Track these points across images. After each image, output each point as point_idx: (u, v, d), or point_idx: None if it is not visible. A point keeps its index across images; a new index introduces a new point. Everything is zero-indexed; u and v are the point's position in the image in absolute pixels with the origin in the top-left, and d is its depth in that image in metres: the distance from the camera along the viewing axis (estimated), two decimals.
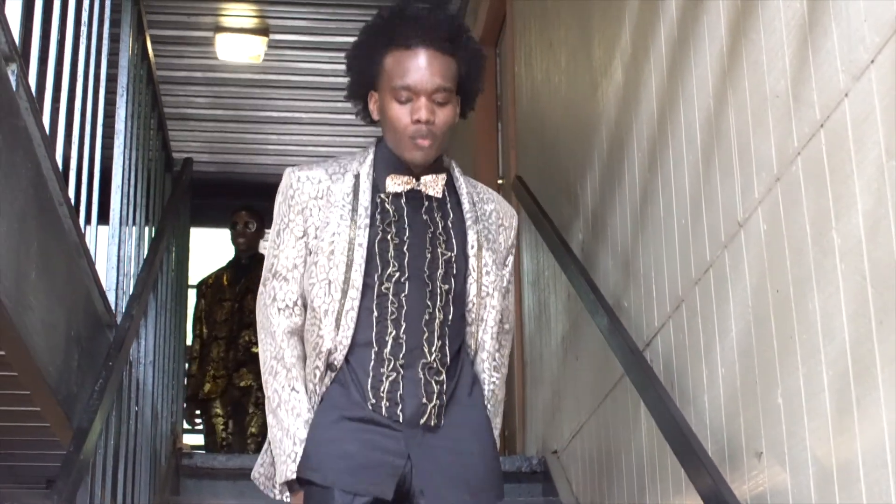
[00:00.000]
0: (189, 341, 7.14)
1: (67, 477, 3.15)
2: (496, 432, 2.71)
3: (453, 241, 2.67)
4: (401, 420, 2.54)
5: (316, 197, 2.67)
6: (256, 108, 9.15)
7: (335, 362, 2.59)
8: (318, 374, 2.60)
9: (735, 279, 2.94)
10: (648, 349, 3.63)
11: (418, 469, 2.53)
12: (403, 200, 2.67)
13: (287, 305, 2.65)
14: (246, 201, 7.63)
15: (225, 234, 7.83)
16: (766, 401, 2.71)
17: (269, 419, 2.63)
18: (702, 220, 3.18)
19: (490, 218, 2.76)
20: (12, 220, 3.03)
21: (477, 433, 2.63)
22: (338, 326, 2.58)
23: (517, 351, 5.80)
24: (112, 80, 4.50)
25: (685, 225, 3.32)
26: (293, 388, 2.60)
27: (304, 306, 2.66)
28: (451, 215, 2.71)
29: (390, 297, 2.59)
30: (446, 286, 2.63)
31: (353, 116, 2.87)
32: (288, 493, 2.60)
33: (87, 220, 4.03)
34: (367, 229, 2.61)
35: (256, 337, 7.31)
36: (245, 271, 7.26)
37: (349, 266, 2.59)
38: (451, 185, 2.76)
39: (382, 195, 2.66)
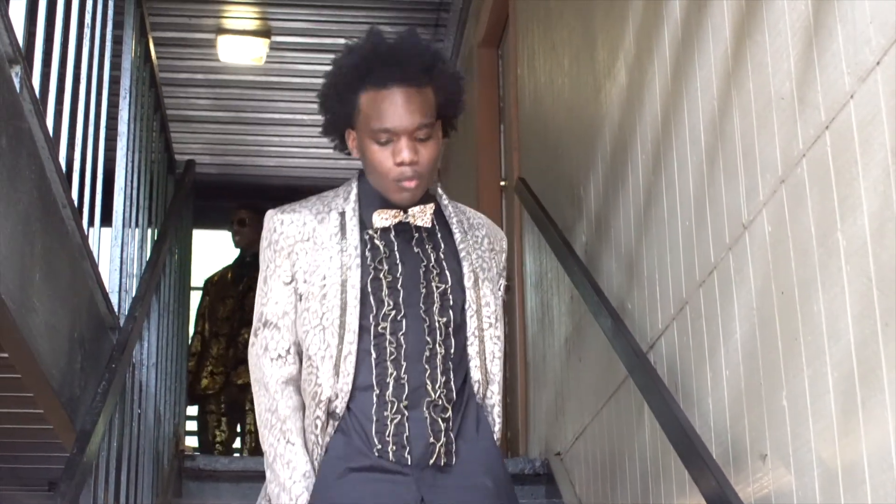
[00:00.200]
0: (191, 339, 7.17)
1: (70, 479, 3.15)
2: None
3: (447, 272, 2.59)
4: (409, 463, 2.45)
5: (302, 240, 2.57)
6: (258, 109, 9.16)
7: (337, 410, 2.49)
8: (320, 424, 2.50)
9: (739, 281, 2.93)
10: (652, 351, 3.63)
11: None
12: (392, 234, 2.58)
13: (280, 355, 2.56)
14: (246, 202, 7.64)
15: (227, 235, 7.84)
16: (770, 403, 2.71)
17: (267, 473, 2.52)
18: (706, 222, 3.17)
19: (482, 244, 2.68)
20: (16, 222, 3.03)
21: (488, 466, 2.54)
22: (337, 373, 2.49)
23: (520, 353, 5.80)
24: (115, 82, 4.50)
25: (689, 227, 3.32)
26: (288, 441, 2.50)
27: (298, 353, 2.57)
28: (443, 245, 2.63)
29: (388, 336, 2.50)
30: (444, 319, 2.54)
31: None
32: None
33: (91, 222, 4.04)
34: (359, 269, 2.53)
35: None
36: (248, 269, 7.28)
37: (343, 309, 2.50)
38: (439, 213, 2.68)
39: (371, 231, 2.58)
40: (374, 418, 2.48)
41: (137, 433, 4.53)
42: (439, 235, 2.63)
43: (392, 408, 2.48)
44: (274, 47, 8.13)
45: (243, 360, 7.05)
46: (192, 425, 7.42)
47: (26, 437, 4.00)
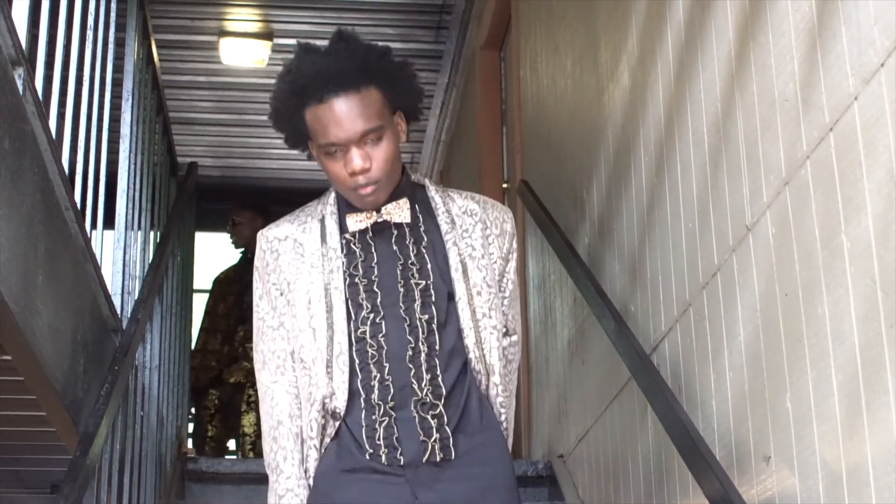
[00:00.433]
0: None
1: (73, 481, 3.15)
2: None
3: (428, 266, 2.56)
4: (402, 463, 2.45)
5: (286, 251, 2.59)
6: (260, 112, 9.13)
7: (337, 409, 2.49)
8: (316, 426, 2.50)
9: (743, 283, 2.93)
10: (655, 353, 3.62)
11: None
12: (370, 235, 2.57)
13: (278, 366, 2.59)
14: (239, 202, 7.64)
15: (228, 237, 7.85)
16: (774, 405, 2.71)
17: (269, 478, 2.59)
18: (709, 223, 3.17)
19: (475, 231, 2.62)
20: (20, 224, 3.03)
21: (486, 458, 2.52)
22: (330, 373, 2.49)
23: (523, 355, 5.79)
24: (117, 84, 4.50)
25: (693, 229, 3.31)
26: (287, 455, 2.54)
27: (293, 363, 2.59)
28: (426, 238, 2.59)
29: (368, 340, 2.50)
30: (426, 316, 2.51)
31: None
32: None
33: (94, 225, 4.04)
34: (341, 270, 2.54)
35: (251, 333, 7.36)
36: (249, 266, 7.28)
37: (329, 311, 2.51)
38: (426, 204, 2.65)
39: (348, 235, 2.57)
40: (363, 424, 2.48)
41: (140, 435, 4.53)
42: (422, 228, 2.60)
43: (379, 411, 2.48)
44: (276, 49, 8.12)
45: (236, 359, 7.04)
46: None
47: (29, 439, 4.01)
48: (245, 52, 8.13)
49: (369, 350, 2.50)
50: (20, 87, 3.06)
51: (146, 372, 4.79)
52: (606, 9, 4.34)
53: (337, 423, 2.50)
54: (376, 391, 2.48)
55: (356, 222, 2.56)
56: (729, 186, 3.03)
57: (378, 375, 2.49)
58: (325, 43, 2.58)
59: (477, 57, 7.49)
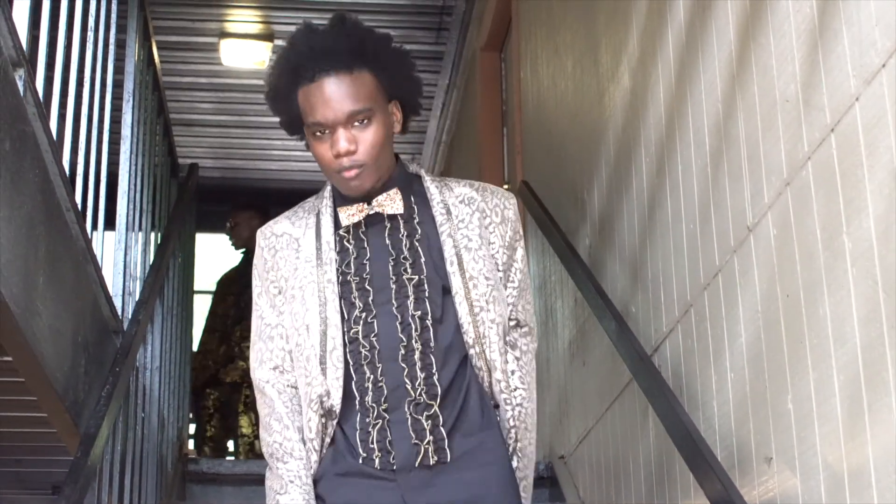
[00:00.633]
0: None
1: (75, 483, 3.15)
2: (529, 449, 2.53)
3: (422, 260, 2.48)
4: (395, 468, 2.39)
5: (281, 248, 2.56)
6: (261, 113, 9.14)
7: (334, 408, 2.43)
8: (314, 426, 2.44)
9: (744, 284, 2.93)
10: (657, 354, 3.62)
11: None
12: (363, 230, 2.51)
13: (276, 365, 2.53)
14: (235, 204, 7.64)
15: None
16: (776, 406, 2.70)
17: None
18: (711, 224, 3.17)
19: (472, 220, 2.53)
20: (20, 225, 3.03)
21: (488, 460, 2.43)
22: (324, 370, 2.43)
23: None
24: (118, 85, 4.50)
25: (694, 230, 3.31)
26: (284, 456, 2.47)
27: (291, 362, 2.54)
28: (419, 231, 2.52)
29: (360, 340, 2.44)
30: (419, 312, 2.44)
31: None
32: None
33: (94, 226, 4.04)
34: (334, 264, 2.48)
35: (248, 332, 7.35)
36: (248, 266, 7.29)
37: (323, 304, 2.45)
38: (422, 195, 2.57)
39: (342, 231, 2.52)
40: (358, 427, 2.42)
41: (141, 437, 4.53)
42: (416, 220, 2.53)
43: (373, 413, 2.41)
44: (276, 51, 8.10)
45: (232, 358, 7.04)
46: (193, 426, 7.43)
47: (30, 440, 4.00)
48: (246, 53, 8.13)
49: (362, 351, 2.44)
50: (21, 89, 3.06)
51: (147, 373, 4.79)
52: (607, 10, 4.34)
53: (335, 423, 2.44)
54: (370, 393, 2.42)
55: (348, 216, 2.50)
56: (730, 187, 3.03)
57: (371, 377, 2.43)
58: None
59: (477, 58, 7.49)
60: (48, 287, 3.30)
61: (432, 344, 2.44)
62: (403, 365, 2.43)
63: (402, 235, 2.51)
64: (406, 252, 2.49)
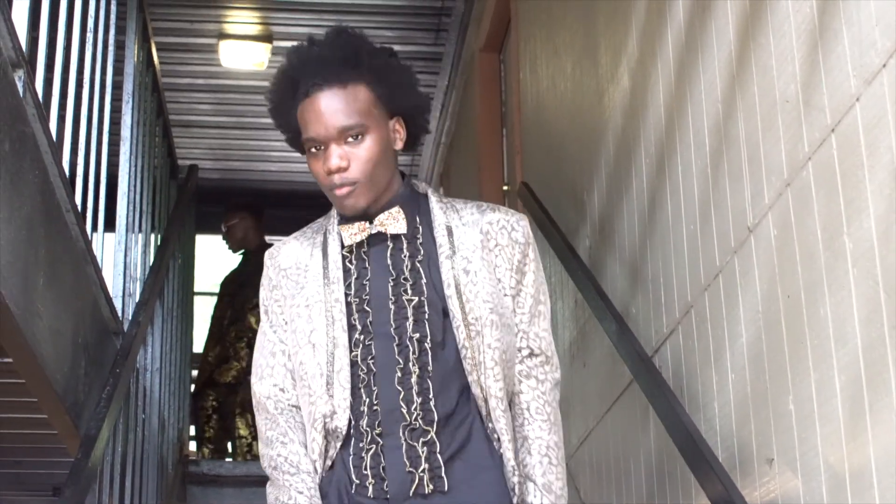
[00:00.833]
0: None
1: (75, 484, 3.15)
2: (557, 485, 2.39)
3: (422, 281, 2.39)
4: (388, 497, 2.29)
5: (287, 268, 2.48)
6: (260, 114, 9.13)
7: (338, 429, 2.34)
8: (317, 448, 2.35)
9: (745, 285, 2.93)
10: (657, 355, 3.62)
11: None
12: (365, 249, 2.43)
13: (276, 384, 2.44)
14: (228, 206, 7.63)
15: None
16: (777, 406, 2.70)
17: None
18: (711, 225, 3.17)
19: (473, 242, 2.43)
20: (20, 226, 3.02)
21: (485, 490, 2.32)
22: (330, 389, 2.34)
23: None
24: (117, 87, 4.50)
25: (694, 231, 3.31)
26: (285, 472, 2.38)
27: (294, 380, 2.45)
28: (422, 251, 2.43)
29: (359, 363, 2.35)
30: (418, 334, 2.34)
31: None
32: None
33: (94, 227, 4.04)
34: (341, 282, 2.40)
35: (243, 332, 7.27)
36: (243, 266, 7.30)
37: (331, 325, 2.37)
38: (426, 215, 2.48)
39: (345, 251, 2.45)
40: (352, 452, 2.33)
41: (142, 438, 4.53)
42: (420, 241, 2.44)
43: (366, 438, 2.32)
44: (275, 52, 8.12)
45: (226, 359, 7.03)
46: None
47: (30, 442, 4.00)
48: (245, 54, 8.12)
49: (360, 374, 2.35)
50: (20, 90, 3.06)
51: (147, 374, 4.79)
52: (606, 10, 4.34)
53: (338, 445, 2.35)
54: (365, 417, 2.32)
55: (350, 235, 2.43)
56: (730, 188, 3.03)
57: (367, 400, 2.33)
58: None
59: (476, 59, 7.48)
60: (48, 288, 3.30)
61: (430, 368, 2.34)
62: (399, 388, 2.33)
63: (405, 256, 2.42)
64: (407, 273, 2.40)
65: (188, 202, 6.21)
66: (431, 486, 2.29)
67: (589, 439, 4.51)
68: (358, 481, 2.32)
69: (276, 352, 2.47)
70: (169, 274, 5.40)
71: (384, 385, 2.34)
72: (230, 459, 7.23)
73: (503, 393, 2.35)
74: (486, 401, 2.34)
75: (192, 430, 7.52)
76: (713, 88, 3.16)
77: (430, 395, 2.33)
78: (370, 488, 2.31)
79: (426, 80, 8.27)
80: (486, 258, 2.43)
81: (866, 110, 2.29)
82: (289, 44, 8.34)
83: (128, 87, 4.78)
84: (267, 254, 2.56)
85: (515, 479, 2.34)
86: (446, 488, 2.29)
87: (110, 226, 4.33)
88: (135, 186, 4.75)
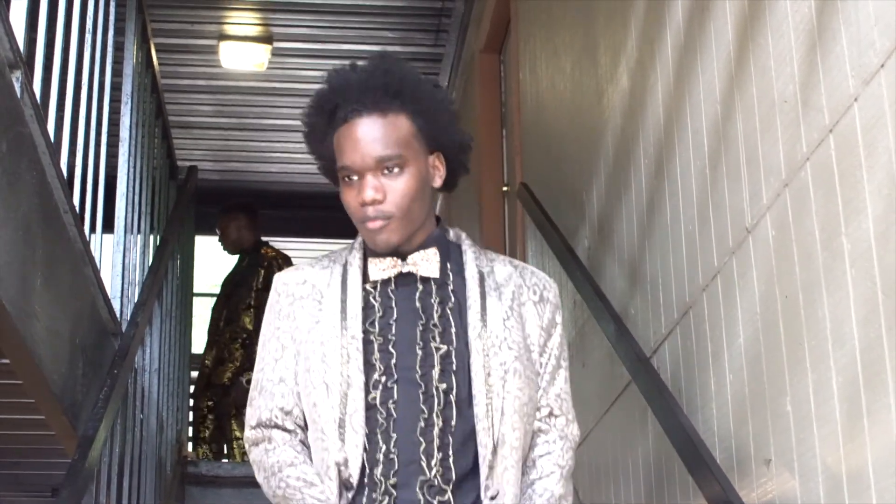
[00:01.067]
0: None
1: (72, 485, 3.15)
2: None
3: (452, 330, 2.27)
4: None
5: (301, 297, 2.34)
6: (260, 115, 9.15)
7: (351, 479, 2.19)
8: (334, 498, 2.20)
9: (743, 285, 2.92)
10: (655, 356, 3.61)
11: None
12: (392, 287, 2.30)
13: (276, 424, 2.30)
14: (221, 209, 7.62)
15: None
16: (774, 408, 2.70)
17: None
18: (709, 226, 3.16)
19: (505, 290, 2.33)
20: (17, 227, 3.02)
21: None
22: (343, 434, 2.20)
23: None
24: (116, 88, 4.50)
25: (692, 231, 3.31)
26: (287, 486, 2.24)
27: (299, 423, 2.31)
28: (452, 299, 2.30)
29: (378, 407, 2.21)
30: (444, 385, 2.22)
31: None
32: None
33: (93, 228, 4.03)
34: (359, 319, 2.26)
35: (237, 333, 7.26)
36: (238, 266, 7.30)
37: (345, 363, 2.23)
38: (458, 261, 2.36)
39: (368, 286, 2.30)
40: (365, 502, 2.20)
41: (140, 439, 4.52)
42: (451, 287, 2.32)
43: (380, 488, 2.18)
44: (276, 53, 8.13)
45: (222, 361, 7.02)
46: None
47: (28, 442, 4.00)
48: (245, 55, 8.13)
49: (378, 418, 2.21)
50: (18, 90, 3.06)
51: (146, 375, 4.79)
52: (605, 11, 4.33)
53: (350, 495, 2.21)
54: (381, 465, 2.19)
55: (380, 270, 2.30)
56: (728, 188, 3.02)
57: (384, 447, 2.20)
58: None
59: (476, 60, 7.48)
60: (45, 289, 3.29)
61: (453, 423, 2.22)
62: (420, 439, 2.20)
63: (434, 301, 2.29)
64: (436, 319, 2.28)
65: (187, 203, 6.21)
66: None
67: (587, 440, 4.50)
68: None
69: (276, 393, 2.32)
70: (168, 275, 5.40)
71: (404, 433, 2.20)
72: (228, 460, 7.23)
73: (519, 443, 2.25)
74: (494, 449, 2.21)
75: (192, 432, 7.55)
76: (712, 89, 3.16)
77: (450, 452, 2.21)
78: None
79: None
80: (515, 309, 2.32)
81: (864, 110, 2.28)
82: (289, 45, 8.38)
83: (127, 88, 4.77)
84: (278, 279, 2.41)
85: None
86: None
87: (109, 227, 4.33)
88: (133, 187, 4.74)
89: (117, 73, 4.53)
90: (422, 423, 2.20)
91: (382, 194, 2.24)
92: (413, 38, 8.05)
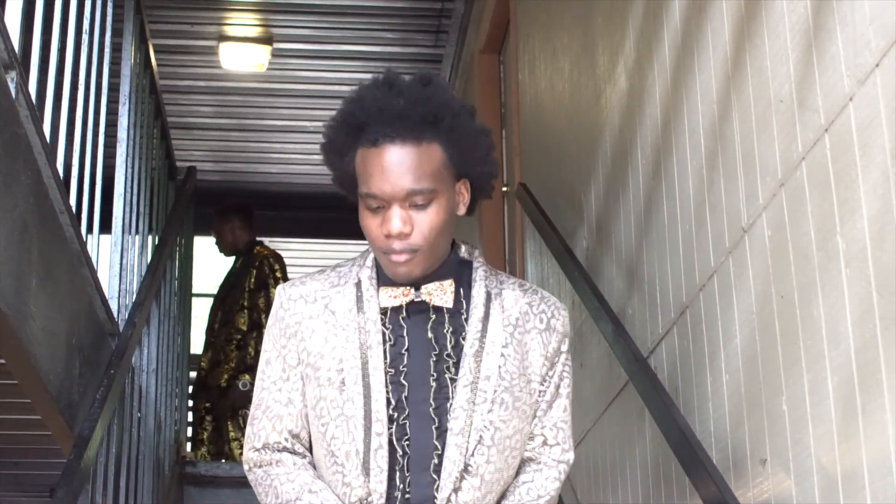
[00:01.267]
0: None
1: (68, 485, 3.15)
2: None
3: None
4: None
5: (310, 316, 2.23)
6: (260, 116, 9.15)
7: None
8: None
9: (739, 285, 2.92)
10: (653, 356, 3.61)
11: None
12: (403, 315, 2.20)
13: (284, 447, 2.23)
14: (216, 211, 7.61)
15: None
16: (770, 407, 2.69)
17: None
18: (706, 226, 3.16)
19: (508, 317, 2.24)
20: (13, 228, 3.02)
21: None
22: (367, 471, 2.12)
23: None
24: (114, 89, 4.50)
25: (689, 231, 3.30)
26: (298, 499, 2.17)
27: (305, 444, 2.25)
28: (465, 328, 2.21)
29: (394, 443, 2.14)
30: None
31: None
32: None
33: (90, 229, 4.03)
34: (380, 346, 2.16)
35: (231, 335, 7.26)
36: (233, 267, 7.30)
37: (367, 395, 2.14)
38: (470, 283, 2.27)
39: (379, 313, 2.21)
40: None
41: (137, 439, 4.52)
42: (464, 316, 2.22)
43: None
44: (276, 54, 8.13)
45: (218, 363, 7.02)
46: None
47: (25, 442, 4.00)
48: (245, 56, 8.13)
49: (396, 456, 2.14)
50: (13, 91, 3.05)
51: (143, 375, 4.78)
52: (604, 12, 4.33)
53: None
54: (397, 502, 2.13)
55: (390, 297, 2.20)
56: (725, 188, 3.02)
57: (401, 486, 2.13)
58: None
59: (476, 61, 7.48)
60: (41, 289, 3.29)
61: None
62: (434, 477, 2.14)
63: (447, 331, 2.20)
64: (450, 349, 2.19)
65: (186, 203, 6.21)
66: None
67: (585, 440, 4.50)
68: None
69: (283, 414, 2.23)
70: (166, 275, 5.40)
71: (417, 472, 2.14)
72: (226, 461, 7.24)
73: (494, 479, 2.18)
74: (459, 479, 2.14)
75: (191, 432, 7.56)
76: (709, 89, 3.15)
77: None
78: None
79: None
80: (517, 337, 2.24)
81: (859, 110, 2.28)
82: (289, 46, 8.37)
83: (125, 88, 4.77)
84: (282, 293, 2.30)
85: None
86: None
87: (107, 227, 4.32)
88: (131, 188, 4.74)
89: (115, 74, 4.53)
90: (435, 460, 2.14)
91: (410, 227, 2.13)
92: (413, 39, 8.05)
